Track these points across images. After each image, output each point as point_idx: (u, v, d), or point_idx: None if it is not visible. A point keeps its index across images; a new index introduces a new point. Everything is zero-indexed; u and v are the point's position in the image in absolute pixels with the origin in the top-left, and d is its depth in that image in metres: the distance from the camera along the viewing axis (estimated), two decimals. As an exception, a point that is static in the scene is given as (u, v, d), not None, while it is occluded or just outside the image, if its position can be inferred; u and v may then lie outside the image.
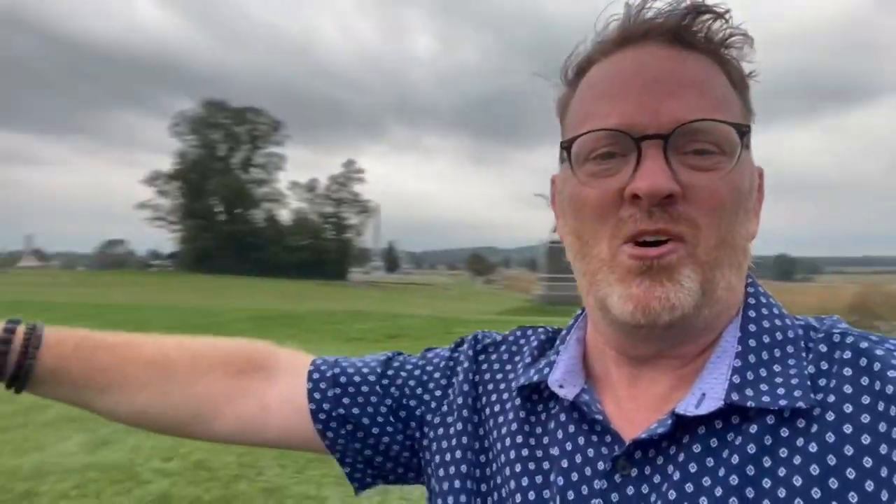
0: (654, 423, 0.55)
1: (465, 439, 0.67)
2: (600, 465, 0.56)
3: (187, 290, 26.75)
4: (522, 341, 0.73)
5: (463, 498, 0.64)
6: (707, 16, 0.57)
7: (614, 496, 0.55)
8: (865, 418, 0.49)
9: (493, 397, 0.69)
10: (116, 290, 26.17)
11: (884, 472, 0.47)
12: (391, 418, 0.73)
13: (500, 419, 0.67)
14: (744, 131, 0.56)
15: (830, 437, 0.50)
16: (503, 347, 0.73)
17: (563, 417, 0.61)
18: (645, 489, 0.54)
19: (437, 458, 0.68)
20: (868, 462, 0.48)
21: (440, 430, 0.69)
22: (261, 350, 0.79)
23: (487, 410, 0.68)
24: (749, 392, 0.53)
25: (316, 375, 0.75)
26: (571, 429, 0.60)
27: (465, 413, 0.69)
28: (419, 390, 0.73)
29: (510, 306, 24.35)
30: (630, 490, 0.54)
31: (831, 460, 0.49)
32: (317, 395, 0.73)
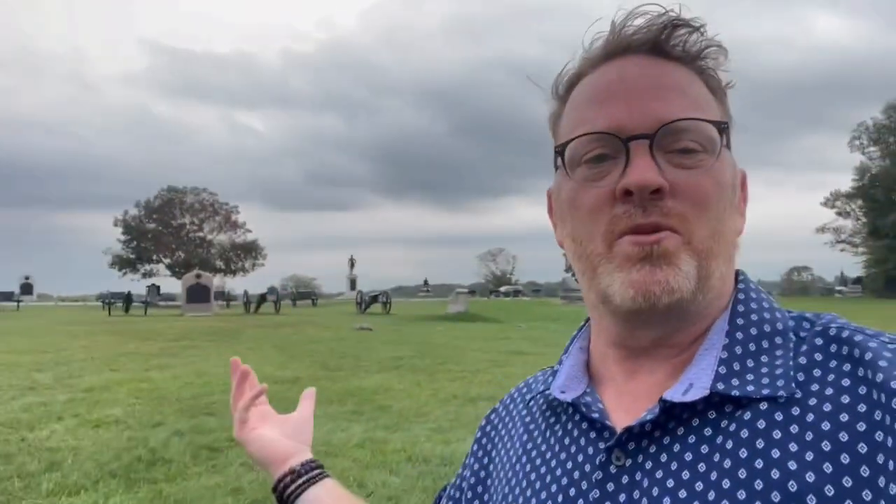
0: (645, 411, 0.57)
1: (478, 486, 0.75)
2: (598, 459, 0.59)
3: (870, 320, 23.82)
4: (531, 380, 0.78)
5: None
6: (683, 30, 0.61)
7: (610, 485, 0.57)
8: (861, 407, 0.50)
9: (503, 433, 0.74)
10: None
11: (880, 459, 0.47)
12: None
13: (508, 445, 0.72)
14: (722, 128, 0.59)
15: (826, 426, 0.50)
16: (514, 392, 0.78)
17: (565, 421, 0.65)
18: (639, 476, 0.56)
19: None
20: (863, 448, 0.48)
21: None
22: None
23: (496, 449, 0.74)
24: (734, 382, 0.55)
25: None
26: (573, 430, 0.64)
27: (479, 463, 0.77)
28: (474, 477, 0.78)
29: None
30: (625, 479, 0.56)
31: (826, 446, 0.49)
32: None
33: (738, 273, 0.64)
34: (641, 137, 0.57)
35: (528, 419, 0.71)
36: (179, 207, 59.30)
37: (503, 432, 0.75)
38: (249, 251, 61.04)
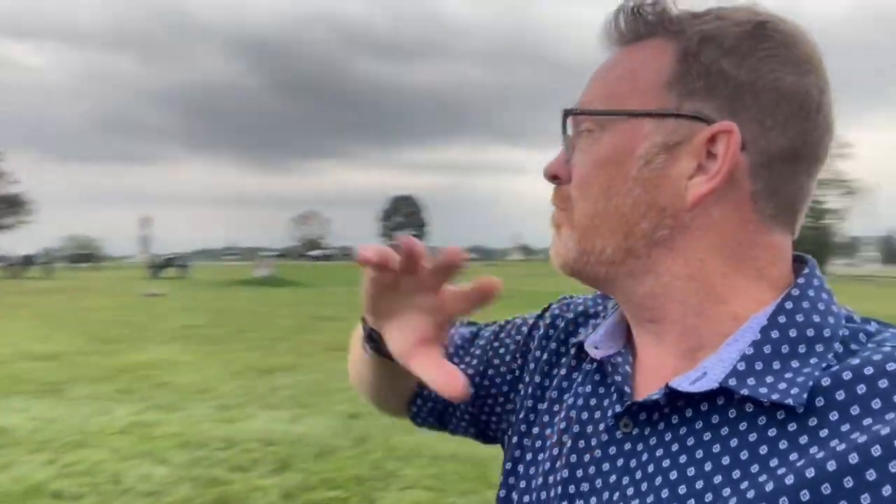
0: (656, 390, 0.57)
1: (529, 402, 0.72)
2: (610, 421, 0.61)
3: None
4: (602, 305, 0.75)
5: (517, 452, 0.70)
6: (633, 3, 0.59)
7: (612, 449, 0.59)
8: (884, 431, 0.47)
9: (563, 360, 0.73)
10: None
11: (886, 491, 0.44)
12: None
13: (557, 378, 0.72)
14: (569, 114, 0.62)
15: (840, 446, 0.47)
16: (580, 310, 0.76)
17: (594, 375, 0.67)
18: (640, 447, 0.57)
19: (510, 421, 0.75)
20: (871, 475, 0.45)
21: (512, 395, 0.76)
22: None
23: (555, 371, 0.72)
24: (750, 381, 0.53)
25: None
26: (598, 386, 0.65)
27: (536, 379, 0.73)
28: (493, 358, 0.79)
29: None
30: (627, 445, 0.58)
31: (831, 466, 0.47)
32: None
33: (805, 263, 0.59)
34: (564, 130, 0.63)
35: (562, 349, 0.73)
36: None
37: (571, 341, 0.73)
38: (13, 205, 52.55)
